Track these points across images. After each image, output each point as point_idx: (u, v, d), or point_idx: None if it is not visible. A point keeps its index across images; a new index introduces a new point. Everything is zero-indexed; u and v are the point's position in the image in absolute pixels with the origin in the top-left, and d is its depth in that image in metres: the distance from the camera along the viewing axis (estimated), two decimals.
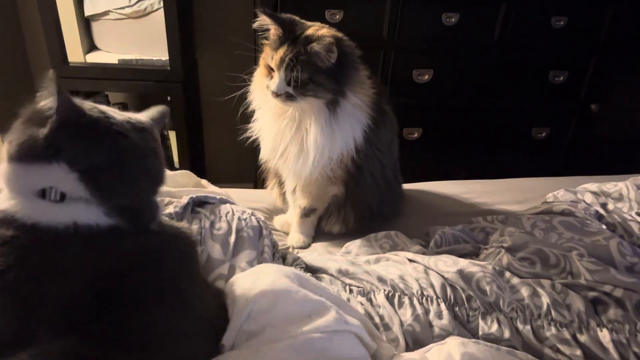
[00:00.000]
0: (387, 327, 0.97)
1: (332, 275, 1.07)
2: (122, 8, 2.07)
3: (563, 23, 2.03)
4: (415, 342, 0.95)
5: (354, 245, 1.27)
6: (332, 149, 1.20)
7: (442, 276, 1.03)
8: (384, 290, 1.02)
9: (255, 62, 2.12)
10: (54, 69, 1.90)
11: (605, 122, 2.28)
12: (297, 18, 1.18)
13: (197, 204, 1.11)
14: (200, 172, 1.33)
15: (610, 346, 0.93)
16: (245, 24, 2.22)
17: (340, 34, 1.19)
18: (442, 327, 0.96)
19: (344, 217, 1.36)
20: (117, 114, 0.75)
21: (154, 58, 2.10)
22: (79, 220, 0.68)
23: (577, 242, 1.10)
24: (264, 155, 1.31)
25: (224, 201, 1.15)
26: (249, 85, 1.30)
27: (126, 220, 0.72)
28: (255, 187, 2.29)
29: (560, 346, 0.94)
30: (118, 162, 0.70)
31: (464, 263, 1.04)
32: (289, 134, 1.21)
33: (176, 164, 2.28)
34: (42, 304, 0.66)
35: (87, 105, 0.73)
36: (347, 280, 1.05)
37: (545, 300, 0.98)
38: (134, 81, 2.06)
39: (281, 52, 1.13)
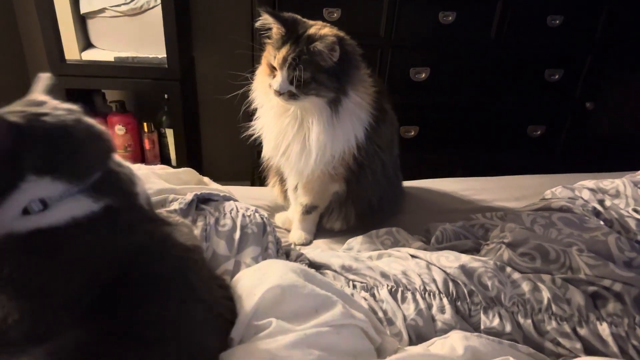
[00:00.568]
0: (390, 322, 0.98)
1: (335, 271, 1.08)
2: (118, 5, 2.06)
3: (559, 22, 2.05)
4: (418, 336, 0.97)
5: (356, 241, 1.28)
6: (334, 147, 1.21)
7: (444, 271, 1.05)
8: (387, 285, 1.03)
9: (253, 60, 2.15)
10: (51, 66, 1.91)
11: (600, 120, 2.31)
12: (298, 17, 1.19)
13: (201, 201, 1.12)
14: (198, 170, 1.33)
15: (609, 339, 0.94)
16: (243, 23, 2.25)
17: (342, 33, 1.20)
18: (445, 322, 0.98)
19: (345, 214, 1.37)
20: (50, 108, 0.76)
21: (150, 56, 2.10)
22: (74, 214, 0.70)
23: (577, 237, 1.12)
24: (266, 153, 1.32)
25: (227, 198, 1.16)
26: (250, 83, 1.30)
27: (111, 196, 0.73)
28: (252, 185, 2.30)
29: (560, 339, 0.96)
30: (72, 146, 0.72)
31: (465, 258, 1.06)
32: (291, 132, 1.22)
33: (173, 162, 2.28)
34: (54, 297, 0.67)
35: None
36: (351, 276, 1.07)
37: (545, 294, 1.00)
38: (131, 79, 2.06)
39: (284, 51, 1.13)
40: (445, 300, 1.00)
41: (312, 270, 0.94)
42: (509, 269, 1.05)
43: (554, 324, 0.97)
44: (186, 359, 0.71)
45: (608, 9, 2.06)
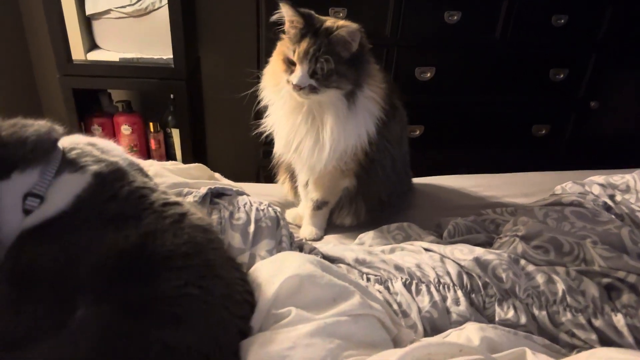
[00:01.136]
0: (405, 314, 0.98)
1: (349, 264, 1.08)
2: (124, 7, 2.07)
3: (563, 21, 2.06)
4: (433, 328, 0.97)
5: (367, 236, 1.28)
6: (347, 141, 1.21)
7: (459, 264, 1.05)
8: (401, 278, 1.03)
9: (258, 60, 2.15)
10: (58, 66, 1.92)
11: (604, 119, 2.31)
12: (312, 12, 1.19)
13: (215, 195, 1.12)
14: None
15: (624, 330, 0.95)
16: (248, 23, 2.25)
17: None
18: (460, 314, 0.98)
19: (355, 209, 1.38)
20: None
21: (155, 57, 2.10)
22: (75, 191, 0.73)
23: (590, 230, 1.12)
24: (277, 149, 1.32)
25: (240, 193, 1.16)
26: (258, 82, 1.30)
27: (90, 164, 0.77)
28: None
29: (575, 331, 0.96)
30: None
31: (480, 251, 1.06)
32: (304, 128, 1.22)
33: (179, 162, 2.28)
34: (74, 277, 0.68)
35: None
36: (364, 269, 1.07)
37: (560, 286, 1.00)
38: (137, 79, 2.06)
39: (304, 44, 1.13)
40: (459, 293, 1.01)
41: (328, 262, 0.94)
42: (523, 262, 1.05)
43: (568, 315, 0.97)
44: (206, 336, 0.71)
45: (612, 9, 2.07)
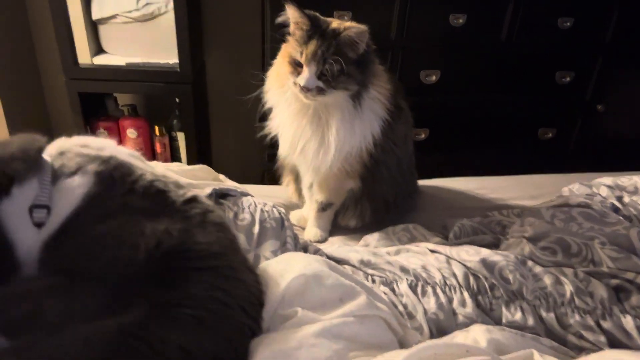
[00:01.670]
0: (410, 316, 0.97)
1: (354, 266, 1.08)
2: (130, 11, 2.08)
3: (569, 24, 2.05)
4: (439, 330, 0.96)
5: (372, 238, 1.27)
6: (353, 143, 1.21)
7: (465, 265, 1.04)
8: (407, 279, 1.02)
9: (263, 64, 2.16)
10: (64, 69, 1.93)
11: (611, 122, 2.30)
12: (317, 14, 1.19)
13: (219, 196, 1.12)
14: None
15: (634, 332, 0.93)
16: (253, 27, 2.26)
17: None
18: (466, 315, 0.97)
19: (360, 211, 1.37)
20: None
21: (161, 61, 2.11)
22: (82, 190, 0.73)
23: (598, 231, 1.11)
24: (282, 151, 1.31)
25: (244, 194, 1.16)
26: (262, 86, 1.30)
27: (86, 164, 0.77)
28: None
29: (584, 333, 0.94)
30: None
31: (486, 252, 1.05)
32: (309, 130, 1.21)
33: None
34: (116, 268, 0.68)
35: None
36: (370, 271, 1.06)
37: (568, 288, 0.99)
38: (143, 83, 2.07)
39: (312, 46, 1.12)
40: (466, 294, 1.00)
41: (333, 262, 0.93)
42: (530, 263, 1.04)
43: (577, 317, 0.96)
44: (223, 340, 0.71)
45: (619, 11, 2.06)
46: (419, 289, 1.01)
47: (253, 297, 0.79)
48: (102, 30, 2.13)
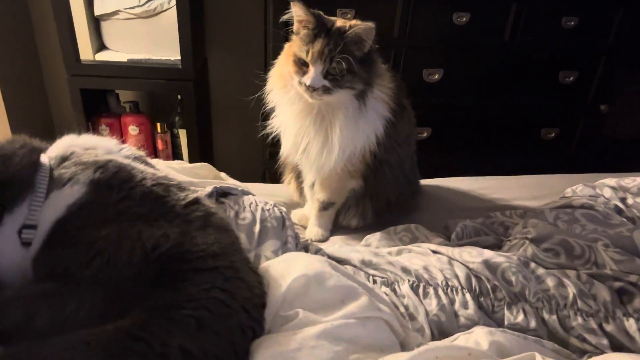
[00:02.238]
0: (412, 317, 0.97)
1: (355, 266, 1.07)
2: (132, 8, 2.07)
3: (573, 23, 2.04)
4: (440, 331, 0.96)
5: (374, 238, 1.27)
6: (356, 142, 1.20)
7: (467, 267, 1.03)
8: (409, 280, 1.02)
9: (266, 62, 2.15)
10: (66, 66, 1.93)
11: (614, 123, 2.29)
12: (321, 12, 1.18)
13: (220, 195, 1.11)
14: None
15: (637, 335, 0.92)
16: (256, 24, 2.25)
17: None
18: (468, 317, 0.96)
19: (362, 210, 1.36)
20: None
21: (163, 58, 2.10)
22: (69, 201, 0.74)
23: (601, 233, 1.10)
24: (284, 150, 1.31)
25: (246, 193, 1.15)
26: (264, 85, 1.29)
27: (82, 171, 0.77)
28: None
29: (586, 335, 0.94)
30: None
31: (489, 254, 1.04)
32: (313, 129, 1.21)
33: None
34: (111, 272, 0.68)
35: None
36: (371, 271, 1.05)
37: (571, 290, 0.98)
38: (145, 80, 2.06)
39: (318, 45, 1.11)
40: (468, 296, 0.99)
41: (335, 262, 0.93)
42: (533, 265, 1.04)
43: (579, 319, 0.95)
44: (224, 341, 0.71)
45: (623, 11, 2.05)
46: (420, 290, 1.00)
47: (255, 298, 0.78)
48: (105, 26, 2.12)
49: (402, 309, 0.97)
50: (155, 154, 2.30)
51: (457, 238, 1.22)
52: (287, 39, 1.24)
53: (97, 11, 2.08)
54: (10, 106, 2.07)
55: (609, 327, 0.94)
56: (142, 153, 0.94)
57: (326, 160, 1.22)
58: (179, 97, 2.23)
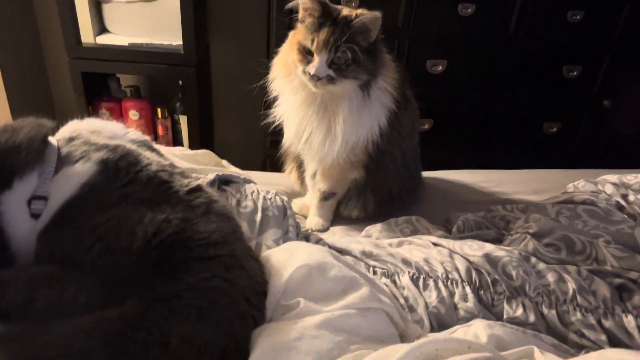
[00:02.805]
0: (411, 309, 0.97)
1: (355, 256, 1.07)
2: None
3: (579, 17, 2.02)
4: (440, 324, 0.96)
5: (375, 229, 1.27)
6: (360, 133, 1.20)
7: (468, 260, 1.03)
8: (409, 272, 1.02)
9: (268, 50, 2.13)
10: (67, 48, 1.91)
11: (617, 118, 2.28)
12: (327, 1, 1.16)
13: (222, 182, 1.11)
14: None
15: (635, 332, 0.93)
16: (259, 11, 2.23)
17: None
18: (467, 310, 0.96)
19: (363, 201, 1.36)
20: None
21: (165, 43, 2.09)
22: (80, 180, 0.73)
23: (602, 229, 1.10)
24: (287, 140, 1.30)
25: (247, 181, 1.15)
26: (267, 73, 1.28)
27: (91, 152, 0.77)
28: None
29: (585, 331, 0.94)
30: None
31: (490, 247, 1.04)
32: (316, 119, 1.20)
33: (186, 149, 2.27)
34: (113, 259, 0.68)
35: None
36: (371, 262, 1.05)
37: (571, 285, 0.99)
38: (146, 64, 2.05)
39: (323, 34, 1.10)
40: (468, 289, 0.99)
41: (336, 253, 0.93)
42: (533, 259, 1.04)
43: (578, 315, 0.95)
44: (225, 329, 0.71)
45: (630, 6, 2.03)
46: (420, 282, 1.00)
47: (257, 286, 0.78)
48: (106, 9, 2.10)
49: (401, 301, 0.97)
50: (155, 139, 2.29)
51: (459, 231, 1.22)
52: (291, 26, 1.23)
53: None
54: (11, 89, 2.05)
55: (607, 324, 0.94)
56: (147, 137, 0.93)
57: (329, 151, 1.21)
58: (180, 82, 2.21)
